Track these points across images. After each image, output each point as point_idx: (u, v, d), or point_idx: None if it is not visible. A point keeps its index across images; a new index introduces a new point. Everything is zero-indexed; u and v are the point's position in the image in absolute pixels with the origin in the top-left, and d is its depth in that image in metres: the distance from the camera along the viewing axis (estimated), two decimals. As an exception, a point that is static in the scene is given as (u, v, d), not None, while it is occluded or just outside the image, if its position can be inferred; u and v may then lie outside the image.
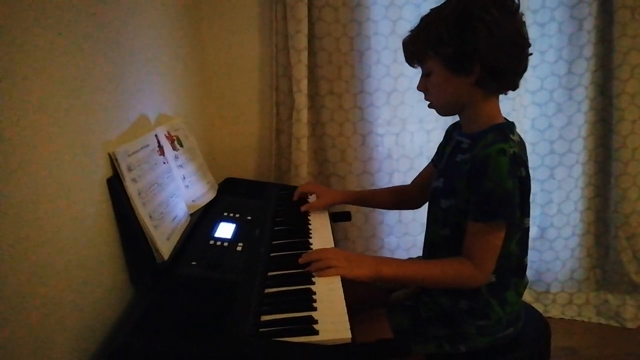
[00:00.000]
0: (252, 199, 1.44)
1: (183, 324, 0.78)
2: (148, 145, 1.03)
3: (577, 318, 2.24)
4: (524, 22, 1.04)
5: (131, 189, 0.89)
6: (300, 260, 1.01)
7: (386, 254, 2.11)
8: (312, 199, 1.45)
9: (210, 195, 1.32)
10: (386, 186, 2.02)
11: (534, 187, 2.20)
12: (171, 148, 1.19)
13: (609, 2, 1.96)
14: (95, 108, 0.85)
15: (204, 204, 1.25)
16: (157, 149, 1.09)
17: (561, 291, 2.28)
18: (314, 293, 0.90)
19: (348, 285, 1.01)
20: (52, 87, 0.70)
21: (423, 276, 1.03)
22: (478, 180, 1.00)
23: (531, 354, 1.16)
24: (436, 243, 1.16)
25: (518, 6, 1.04)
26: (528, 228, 1.11)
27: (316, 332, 0.77)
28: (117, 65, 0.97)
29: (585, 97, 2.08)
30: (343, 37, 1.90)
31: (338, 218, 1.56)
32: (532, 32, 2.04)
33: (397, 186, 1.53)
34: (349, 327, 0.78)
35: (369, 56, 1.93)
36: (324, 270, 0.97)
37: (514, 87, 1.08)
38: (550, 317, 2.26)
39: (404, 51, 1.11)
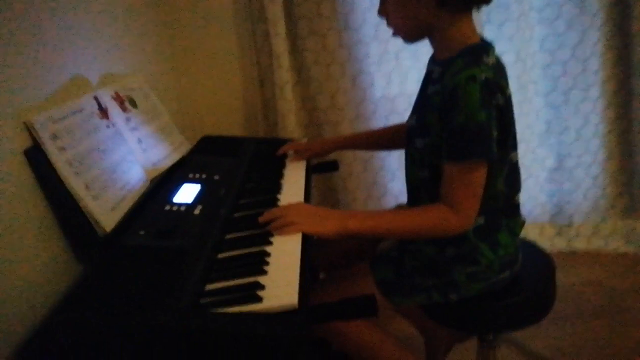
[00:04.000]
0: (226, 156, 1.34)
1: (119, 297, 0.71)
2: (82, 109, 0.93)
3: (605, 249, 2.10)
4: None
5: (57, 159, 0.81)
6: (260, 219, 0.91)
7: (390, 200, 1.99)
8: None
9: (175, 157, 1.22)
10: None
11: (548, 114, 2.03)
12: (120, 110, 1.09)
13: None
14: (5, 70, 0.75)
15: (166, 167, 1.16)
16: (98, 112, 0.99)
17: (585, 222, 2.13)
18: (269, 255, 0.81)
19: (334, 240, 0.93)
20: None
21: (396, 228, 0.92)
22: (448, 114, 0.87)
23: (531, 297, 1.05)
24: (417, 186, 1.05)
25: None
26: (516, 162, 0.98)
27: (259, 299, 0.68)
28: (40, 16, 0.87)
29: (599, 9, 1.86)
30: (319, -32, 1.72)
31: (324, 168, 1.45)
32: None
33: (393, 125, 1.38)
34: (296, 292, 0.69)
35: (349, -13, 1.75)
36: (284, 228, 0.88)
37: (485, 0, 0.91)
38: (574, 251, 2.14)
39: None
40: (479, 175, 0.88)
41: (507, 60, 1.88)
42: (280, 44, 1.71)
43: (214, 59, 1.81)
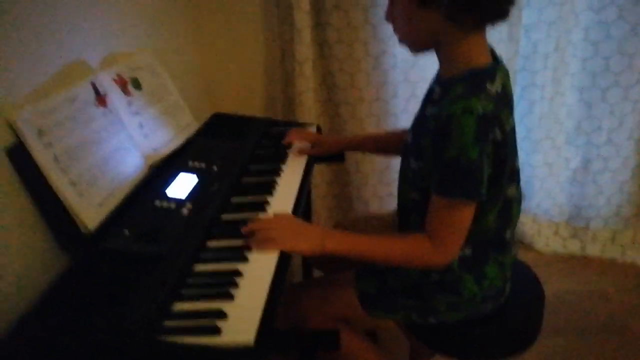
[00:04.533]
0: (232, 140, 1.33)
1: (84, 309, 0.73)
2: (76, 98, 0.92)
3: (620, 258, 2.04)
4: None
5: (42, 157, 0.81)
6: (243, 230, 0.91)
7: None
8: None
9: (178, 142, 1.21)
10: (401, 117, 1.83)
11: (581, 111, 1.91)
12: (121, 94, 1.08)
13: None
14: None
15: (167, 152, 1.16)
16: (95, 100, 0.98)
17: (603, 228, 2.06)
18: (241, 275, 0.81)
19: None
20: None
21: (374, 254, 0.90)
22: (440, 145, 0.82)
23: (514, 330, 1.03)
24: (407, 206, 1.01)
25: None
26: (512, 198, 0.93)
27: (218, 332, 0.69)
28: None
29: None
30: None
31: (329, 159, 1.42)
32: None
33: (402, 130, 1.33)
34: (255, 329, 0.69)
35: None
36: (263, 244, 0.87)
37: (501, 17, 0.84)
38: (587, 256, 2.08)
39: None
40: (465, 214, 0.84)
41: (545, 49, 1.78)
42: (303, 18, 1.64)
43: (235, 32, 1.75)
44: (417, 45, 0.92)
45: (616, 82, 1.83)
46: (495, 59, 0.90)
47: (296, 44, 1.67)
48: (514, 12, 1.62)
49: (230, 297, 0.76)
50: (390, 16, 0.91)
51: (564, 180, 2.02)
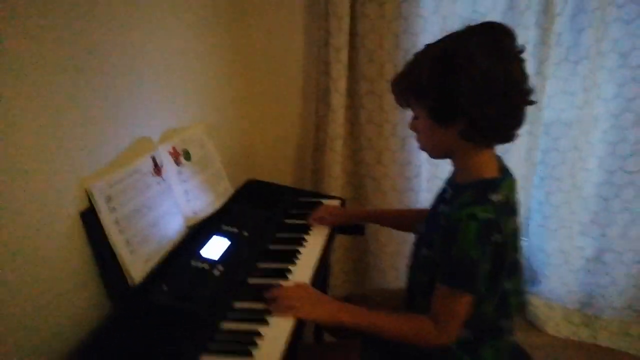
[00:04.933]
0: (264, 206, 1.48)
1: (124, 353, 0.86)
2: (138, 170, 1.10)
3: (629, 351, 2.05)
4: (523, 67, 0.93)
5: (107, 219, 0.97)
6: (266, 295, 1.04)
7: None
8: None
9: (216, 206, 1.38)
10: (421, 195, 1.96)
11: (597, 204, 2.00)
12: (174, 164, 1.25)
13: None
14: (72, 145, 0.92)
15: (205, 216, 1.32)
16: (152, 170, 1.15)
17: (615, 319, 2.08)
18: (261, 336, 0.93)
19: None
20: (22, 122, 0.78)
21: (382, 329, 1.01)
22: (446, 243, 0.94)
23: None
24: (415, 288, 1.13)
25: (518, 51, 0.92)
26: (509, 290, 1.03)
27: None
28: (113, 84, 1.04)
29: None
30: (387, 34, 1.80)
31: (350, 231, 1.56)
32: (615, 31, 1.79)
33: (417, 209, 1.47)
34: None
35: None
36: (283, 310, 1.00)
37: (507, 139, 0.98)
38: (596, 344, 2.10)
39: (393, 91, 1.04)
40: (464, 303, 0.95)
41: (564, 146, 1.89)
42: (339, 100, 1.82)
43: (275, 106, 1.96)
44: (436, 154, 1.06)
45: (631, 180, 1.92)
46: (503, 171, 1.03)
47: (330, 122, 1.85)
48: (535, 110, 1.76)
49: (250, 355, 0.88)
50: (414, 128, 1.06)
51: (578, 268, 2.08)
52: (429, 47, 0.98)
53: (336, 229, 1.47)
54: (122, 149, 1.08)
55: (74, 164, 0.93)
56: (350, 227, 1.56)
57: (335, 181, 1.92)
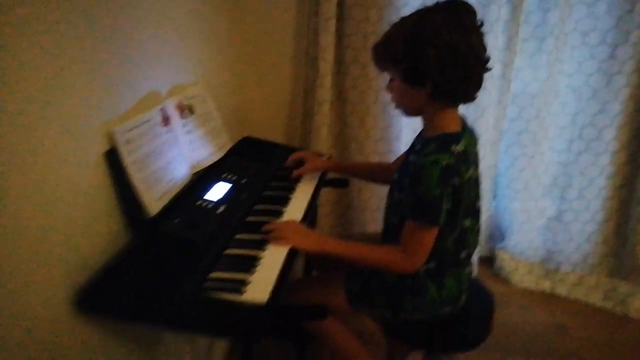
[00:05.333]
0: (257, 161, 1.64)
1: (149, 268, 1.03)
2: (149, 120, 1.25)
3: (583, 299, 2.30)
4: (482, 39, 1.10)
5: (127, 160, 1.13)
6: (263, 228, 1.22)
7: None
8: None
9: (216, 157, 1.54)
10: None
11: (557, 169, 2.21)
12: (179, 117, 1.40)
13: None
14: (99, 94, 1.07)
15: (207, 165, 1.48)
16: (161, 121, 1.30)
17: (571, 272, 2.32)
18: (260, 259, 1.11)
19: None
20: (54, 75, 0.93)
21: (359, 257, 1.20)
22: (413, 185, 1.12)
23: (469, 329, 1.31)
24: (389, 228, 1.32)
25: (476, 26, 1.09)
26: (467, 228, 1.22)
27: (240, 292, 0.99)
28: (131, 45, 1.18)
29: (625, 85, 2.01)
30: (373, 6, 1.95)
31: (335, 184, 1.73)
32: (577, 12, 1.97)
33: (378, 163, 1.66)
34: (268, 291, 0.99)
35: (396, 27, 1.98)
36: (277, 240, 1.18)
37: (468, 100, 1.15)
38: (555, 295, 2.34)
39: (372, 57, 1.21)
40: (428, 234, 1.14)
41: (529, 115, 2.09)
42: (326, 67, 1.98)
43: (267, 71, 2.11)
44: (408, 112, 1.24)
45: (587, 148, 2.13)
46: (464, 127, 1.21)
47: (318, 87, 2.01)
48: (503, 82, 1.95)
49: (251, 272, 1.06)
50: (388, 88, 1.23)
51: (540, 226, 2.31)
52: (403, 19, 1.14)
53: (322, 182, 1.64)
54: (136, 99, 1.23)
55: (97, 112, 1.08)
56: (335, 180, 1.74)
57: (323, 143, 2.09)
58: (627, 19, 1.92)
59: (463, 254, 1.26)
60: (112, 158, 1.11)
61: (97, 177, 1.08)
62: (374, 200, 2.22)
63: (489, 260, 2.51)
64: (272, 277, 1.05)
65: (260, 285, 1.02)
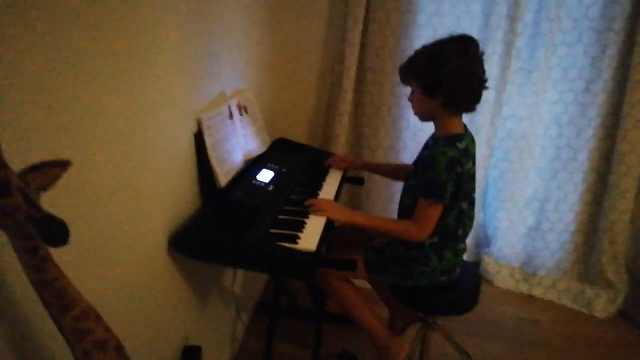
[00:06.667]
0: (292, 155, 1.99)
1: (223, 223, 1.36)
2: (222, 113, 1.59)
3: (556, 300, 2.63)
4: (482, 65, 1.46)
5: (207, 141, 1.46)
6: (305, 203, 1.55)
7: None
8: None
9: (261, 150, 1.88)
10: (406, 161, 2.50)
11: (538, 183, 2.57)
12: (239, 114, 1.75)
13: (635, 33, 2.22)
14: (193, 90, 1.41)
15: (255, 155, 1.82)
16: (228, 115, 1.65)
17: (546, 275, 2.67)
18: (305, 223, 1.44)
19: (347, 229, 1.60)
20: (169, 74, 1.27)
21: (380, 227, 1.54)
22: (426, 170, 1.47)
23: (460, 296, 1.65)
24: (403, 209, 1.66)
25: (479, 54, 1.46)
26: (464, 210, 1.57)
27: (296, 242, 1.32)
28: (212, 55, 1.52)
29: (597, 114, 2.39)
30: (391, 37, 2.33)
31: (353, 181, 2.08)
32: (560, 51, 2.36)
33: (399, 164, 2.01)
34: (315, 243, 1.32)
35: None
36: (316, 212, 1.51)
37: (470, 110, 1.52)
38: (532, 296, 2.68)
39: (399, 73, 1.56)
40: (436, 210, 1.49)
41: (516, 135, 2.47)
42: (349, 84, 2.34)
43: (299, 85, 2.47)
44: (423, 117, 1.59)
45: (564, 167, 2.50)
46: (466, 131, 1.57)
47: (340, 100, 2.37)
48: (496, 107, 2.32)
49: (301, 230, 1.39)
50: (410, 99, 1.58)
51: (521, 234, 2.66)
52: (424, 47, 1.50)
53: (344, 179, 1.99)
54: (213, 96, 1.57)
55: (191, 102, 1.42)
56: (353, 178, 2.09)
57: (341, 148, 2.44)
58: (600, 59, 2.31)
59: (460, 231, 1.60)
60: (198, 138, 1.45)
61: (189, 151, 1.42)
62: (382, 203, 2.57)
63: (475, 264, 2.85)
64: (316, 235, 1.38)
65: (308, 239, 1.35)
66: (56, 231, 0.56)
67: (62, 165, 0.65)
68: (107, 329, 0.69)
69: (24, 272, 0.63)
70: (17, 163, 0.62)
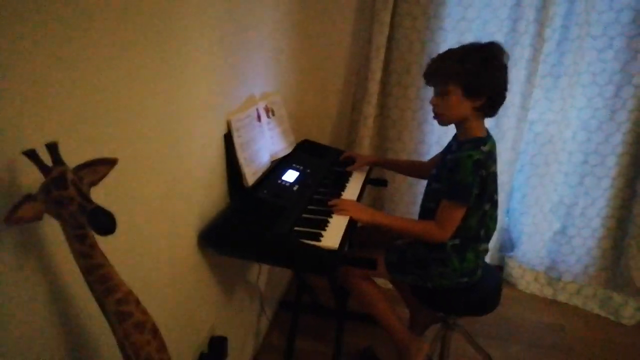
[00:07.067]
0: (317, 157, 2.05)
1: (250, 220, 1.42)
2: (250, 115, 1.66)
3: (581, 307, 2.61)
4: (507, 72, 1.50)
5: (236, 141, 1.53)
6: (329, 203, 1.60)
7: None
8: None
9: (287, 151, 1.94)
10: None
11: (564, 189, 2.56)
12: (266, 116, 1.81)
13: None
14: (223, 93, 1.48)
15: (281, 156, 1.88)
16: (256, 117, 1.72)
17: (572, 281, 2.65)
18: (329, 222, 1.50)
19: (369, 229, 1.65)
20: (202, 79, 1.34)
21: (402, 228, 1.58)
22: (451, 173, 1.50)
23: (481, 296, 1.67)
24: (425, 212, 1.69)
25: (504, 62, 1.49)
26: (487, 211, 1.59)
27: (319, 240, 1.37)
28: (243, 60, 1.59)
29: (626, 120, 2.36)
30: (416, 41, 2.36)
31: (377, 183, 2.12)
32: (590, 56, 2.34)
33: (416, 161, 2.06)
34: (338, 242, 1.37)
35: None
36: (339, 211, 1.56)
37: (493, 114, 1.54)
38: (557, 301, 2.66)
39: (432, 67, 1.57)
40: (459, 212, 1.52)
41: (543, 140, 2.47)
42: (374, 87, 2.39)
43: (326, 88, 2.53)
44: (449, 121, 1.59)
45: (592, 172, 2.48)
46: (489, 134, 1.59)
47: (365, 103, 2.42)
48: (522, 111, 2.32)
49: (324, 229, 1.45)
50: (435, 102, 1.60)
51: (547, 238, 2.64)
52: (472, 47, 1.50)
53: (367, 181, 2.03)
54: (243, 99, 1.64)
55: (222, 105, 1.49)
56: (376, 180, 2.13)
57: (364, 151, 2.48)
58: (631, 65, 2.29)
59: (482, 233, 1.62)
60: (228, 140, 1.52)
61: (218, 151, 1.49)
62: (408, 196, 2.60)
63: (499, 268, 2.84)
64: (339, 233, 1.44)
65: (331, 238, 1.41)
66: (104, 221, 0.63)
67: (110, 162, 0.73)
68: (144, 312, 0.76)
69: (74, 258, 0.70)
70: (74, 160, 0.70)
